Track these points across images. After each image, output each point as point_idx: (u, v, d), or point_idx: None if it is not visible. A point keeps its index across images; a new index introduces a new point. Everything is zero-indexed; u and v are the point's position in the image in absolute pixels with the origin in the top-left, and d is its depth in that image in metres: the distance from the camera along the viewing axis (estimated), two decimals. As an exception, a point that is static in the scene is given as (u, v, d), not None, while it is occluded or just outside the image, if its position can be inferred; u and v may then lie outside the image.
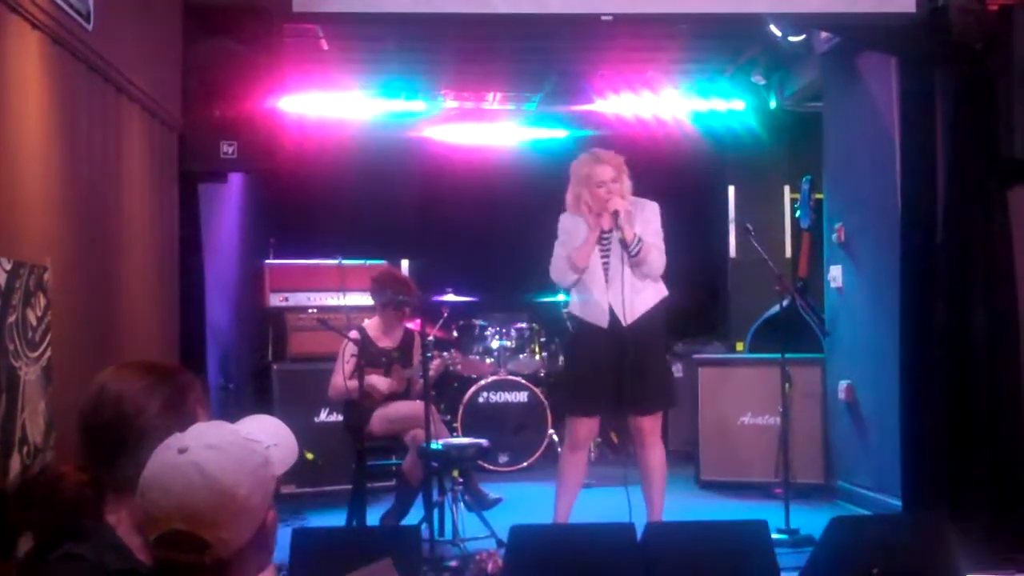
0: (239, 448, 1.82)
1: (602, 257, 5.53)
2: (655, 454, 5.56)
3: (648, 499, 5.59)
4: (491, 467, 8.05)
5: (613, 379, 5.41)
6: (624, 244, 5.41)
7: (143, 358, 2.88)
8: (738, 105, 9.03)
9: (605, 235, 5.54)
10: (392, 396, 6.32)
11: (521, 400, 8.34)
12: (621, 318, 5.42)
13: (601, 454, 8.41)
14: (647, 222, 5.53)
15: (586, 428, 5.64)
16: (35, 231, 3.38)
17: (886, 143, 6.30)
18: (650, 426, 5.56)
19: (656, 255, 5.48)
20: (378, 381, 6.20)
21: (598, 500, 6.24)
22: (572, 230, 5.61)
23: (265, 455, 1.87)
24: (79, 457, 2.23)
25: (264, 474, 1.84)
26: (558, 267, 5.63)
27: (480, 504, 6.10)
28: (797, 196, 8.06)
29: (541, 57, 8.14)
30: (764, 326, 7.98)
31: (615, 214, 5.42)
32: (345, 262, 7.67)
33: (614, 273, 5.46)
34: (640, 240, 5.41)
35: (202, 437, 1.82)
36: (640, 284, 5.47)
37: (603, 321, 5.48)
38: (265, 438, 1.93)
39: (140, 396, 2.22)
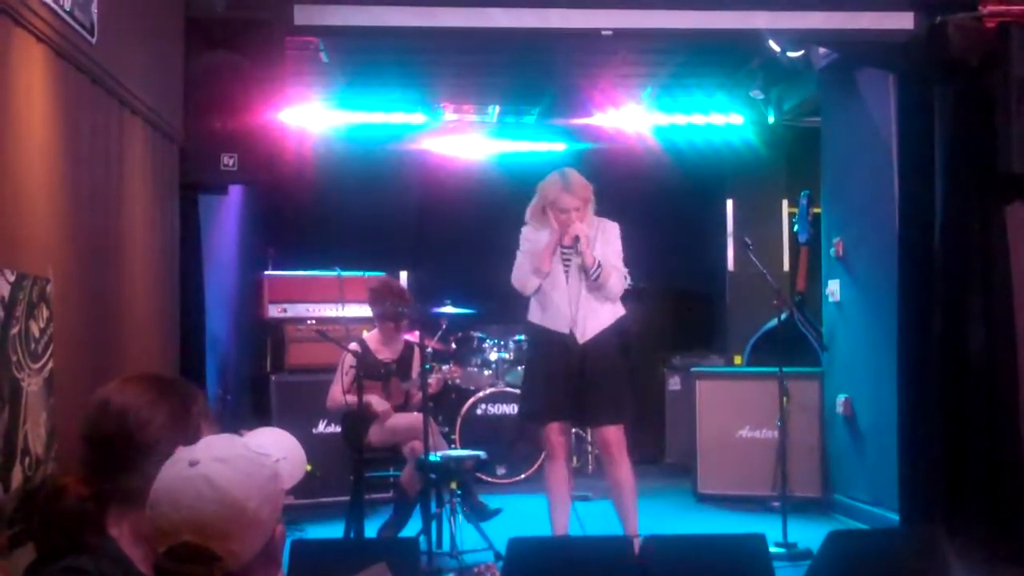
0: (249, 462, 1.83)
1: (564, 264, 5.59)
2: (621, 469, 5.58)
3: (621, 515, 5.61)
4: (489, 479, 8.05)
5: (570, 386, 5.49)
6: (584, 269, 5.50)
7: (145, 370, 2.89)
8: (737, 120, 9.06)
9: (566, 249, 5.59)
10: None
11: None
12: (578, 335, 5.51)
13: (598, 466, 8.39)
14: (607, 243, 5.61)
15: (555, 435, 5.63)
16: (38, 243, 3.40)
17: (884, 158, 6.33)
18: (614, 439, 5.57)
19: (616, 279, 5.57)
20: (375, 402, 6.19)
21: (596, 513, 6.24)
22: (534, 238, 5.67)
23: (274, 469, 1.88)
24: (82, 470, 2.23)
25: (273, 488, 1.85)
26: (520, 272, 5.67)
27: (478, 516, 6.10)
28: (795, 210, 8.08)
29: (541, 71, 8.16)
30: (762, 340, 8.00)
31: (575, 239, 5.49)
32: (344, 274, 7.68)
33: (573, 289, 5.54)
34: (600, 266, 5.49)
35: (212, 450, 1.83)
36: (597, 304, 5.56)
37: (564, 327, 5.55)
38: (274, 451, 1.94)
39: (144, 409, 2.22)
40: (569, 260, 5.58)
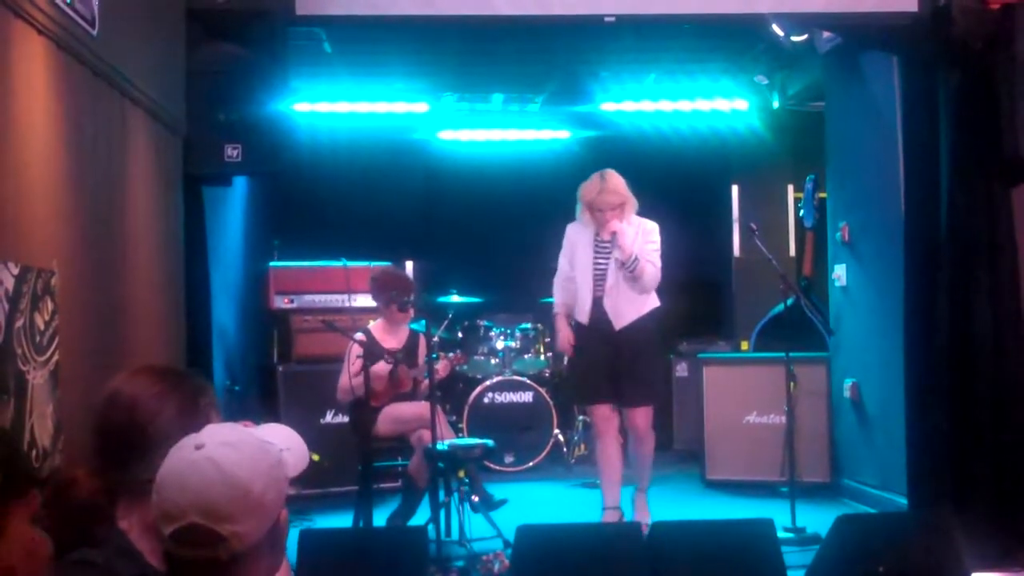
0: (254, 447, 1.85)
1: (596, 269, 6.09)
2: (645, 444, 6.16)
3: (638, 472, 6.22)
4: (497, 467, 8.07)
5: (604, 373, 6.05)
6: (622, 263, 5.95)
7: (154, 363, 2.90)
8: (741, 105, 9.03)
9: (604, 245, 6.07)
10: (398, 397, 6.32)
11: (526, 400, 8.35)
12: (613, 322, 6.01)
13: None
14: (647, 240, 6.04)
15: (599, 415, 6.15)
16: (42, 236, 3.40)
17: (889, 142, 6.31)
18: (643, 420, 6.09)
19: (651, 272, 6.02)
20: (380, 368, 6.17)
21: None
22: (574, 238, 6.20)
23: (278, 455, 1.90)
24: (92, 462, 2.24)
25: (278, 473, 1.87)
26: (556, 282, 6.34)
27: (486, 504, 6.10)
28: (801, 195, 8.06)
29: (544, 58, 8.14)
30: (769, 325, 7.99)
31: (613, 235, 5.96)
32: (350, 264, 7.68)
33: (611, 284, 6.03)
34: (636, 259, 5.95)
35: (217, 435, 1.85)
36: (634, 295, 6.03)
37: (585, 319, 6.10)
38: (278, 443, 1.96)
39: (154, 401, 2.23)
40: (607, 259, 6.05)
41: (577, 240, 6.17)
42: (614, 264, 6.00)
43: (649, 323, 6.08)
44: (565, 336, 6.26)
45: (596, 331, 6.05)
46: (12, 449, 1.92)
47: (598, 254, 6.09)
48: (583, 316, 6.11)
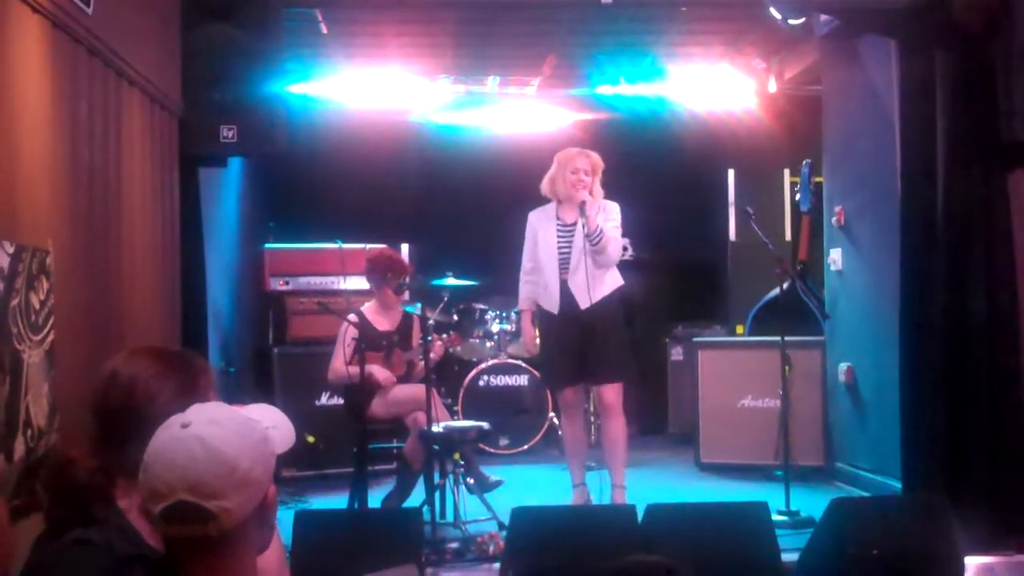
0: (239, 424, 1.88)
1: (560, 250, 6.12)
2: (613, 423, 6.15)
3: (611, 463, 6.18)
4: (492, 450, 8.08)
5: (574, 356, 6.10)
6: (587, 234, 5.95)
7: (152, 343, 2.90)
8: (737, 89, 9.01)
9: (567, 228, 6.13)
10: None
11: (521, 383, 8.36)
12: (580, 302, 6.04)
13: (600, 436, 8.42)
14: (607, 219, 6.09)
15: (565, 400, 6.30)
16: (37, 215, 3.39)
17: (886, 126, 6.30)
18: (611, 398, 6.11)
19: (614, 246, 6.11)
20: (378, 372, 6.19)
21: (598, 482, 6.26)
22: (536, 224, 6.26)
23: (264, 432, 1.92)
24: (90, 442, 2.24)
25: (264, 450, 1.90)
26: (522, 280, 6.38)
27: (481, 486, 6.12)
28: (797, 179, 8.06)
29: (541, 41, 8.12)
30: (764, 309, 7.99)
31: (581, 205, 5.97)
32: (345, 246, 7.68)
33: (575, 264, 6.04)
34: (601, 232, 5.99)
35: (203, 413, 1.88)
36: (598, 273, 6.06)
37: (554, 307, 6.15)
38: (265, 421, 1.99)
39: (152, 382, 2.23)
40: (569, 242, 6.08)
41: (539, 225, 6.23)
42: (579, 244, 6.00)
43: (614, 301, 6.15)
44: (529, 336, 6.45)
45: (564, 316, 6.10)
46: None
47: (561, 237, 6.13)
48: (552, 305, 6.15)
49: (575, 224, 6.05)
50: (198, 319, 5.43)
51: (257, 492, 1.86)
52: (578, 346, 6.07)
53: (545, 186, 6.25)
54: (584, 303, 6.03)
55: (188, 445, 1.80)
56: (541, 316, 6.34)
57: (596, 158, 6.19)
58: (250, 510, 1.85)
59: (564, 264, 6.10)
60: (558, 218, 6.19)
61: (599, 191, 6.17)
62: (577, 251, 6.02)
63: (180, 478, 1.79)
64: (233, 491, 1.81)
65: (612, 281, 6.16)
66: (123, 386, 2.22)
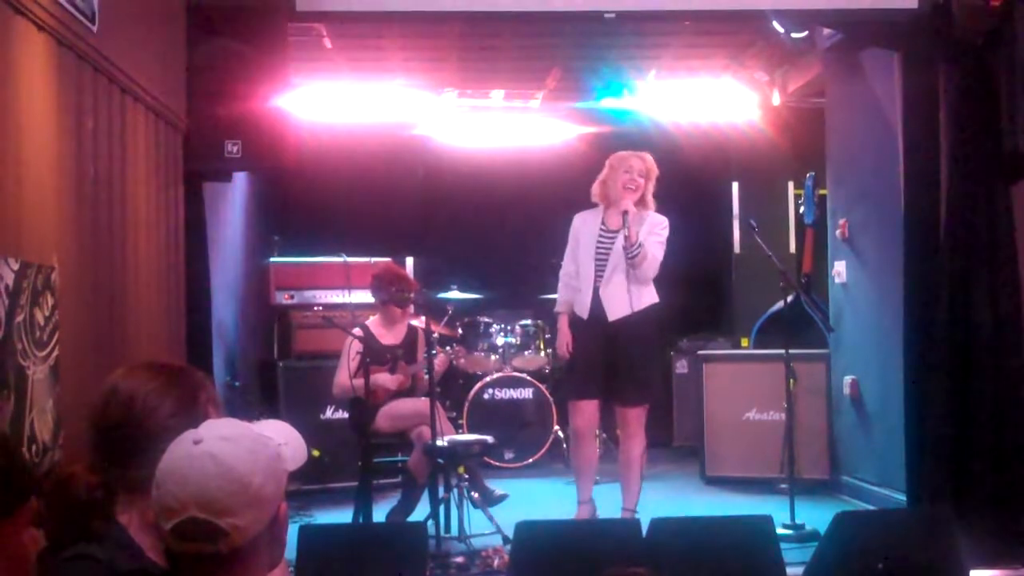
0: (252, 440, 1.88)
1: (598, 257, 5.93)
2: (634, 444, 5.98)
3: (624, 485, 6.04)
4: (496, 463, 8.06)
5: (596, 366, 5.90)
6: (626, 245, 5.76)
7: (153, 358, 2.90)
8: (741, 102, 9.02)
9: (610, 233, 5.92)
10: (397, 393, 6.33)
11: (526, 396, 8.35)
12: (608, 313, 5.85)
13: (607, 450, 8.41)
14: (652, 232, 5.89)
15: (581, 413, 6.00)
16: (42, 231, 3.40)
17: (889, 138, 6.31)
18: (633, 418, 5.95)
19: (651, 262, 5.85)
20: (385, 379, 6.21)
21: (605, 496, 6.26)
22: (579, 226, 6.05)
23: (276, 449, 1.92)
24: (90, 457, 2.24)
25: (276, 467, 1.89)
26: (561, 283, 6.17)
27: (486, 500, 6.11)
28: (801, 192, 8.05)
29: (545, 54, 8.14)
30: (768, 322, 7.98)
31: (624, 213, 5.78)
32: (350, 260, 7.69)
33: (610, 272, 5.85)
34: (641, 245, 5.79)
35: (216, 430, 1.87)
36: (632, 286, 5.83)
37: (584, 313, 5.94)
38: (276, 438, 1.98)
39: (152, 397, 2.23)
40: (608, 250, 5.90)
41: (582, 228, 6.04)
42: (617, 251, 5.82)
43: (647, 319, 5.90)
44: (564, 339, 6.09)
45: (593, 324, 5.89)
46: (12, 458, 1.93)
47: (601, 242, 5.94)
48: (583, 310, 5.93)
49: (618, 231, 5.84)
50: (203, 333, 5.44)
51: (269, 509, 1.86)
52: (601, 358, 5.88)
53: (595, 189, 6.06)
54: (612, 315, 5.84)
55: (200, 461, 1.80)
56: (572, 321, 6.10)
57: (651, 162, 6.03)
58: (261, 527, 1.85)
59: (600, 271, 5.91)
60: (603, 222, 6.01)
61: (651, 201, 5.99)
62: (614, 260, 5.85)
63: (192, 494, 1.79)
64: (245, 508, 1.80)
65: (647, 297, 5.92)
66: (122, 401, 2.22)
